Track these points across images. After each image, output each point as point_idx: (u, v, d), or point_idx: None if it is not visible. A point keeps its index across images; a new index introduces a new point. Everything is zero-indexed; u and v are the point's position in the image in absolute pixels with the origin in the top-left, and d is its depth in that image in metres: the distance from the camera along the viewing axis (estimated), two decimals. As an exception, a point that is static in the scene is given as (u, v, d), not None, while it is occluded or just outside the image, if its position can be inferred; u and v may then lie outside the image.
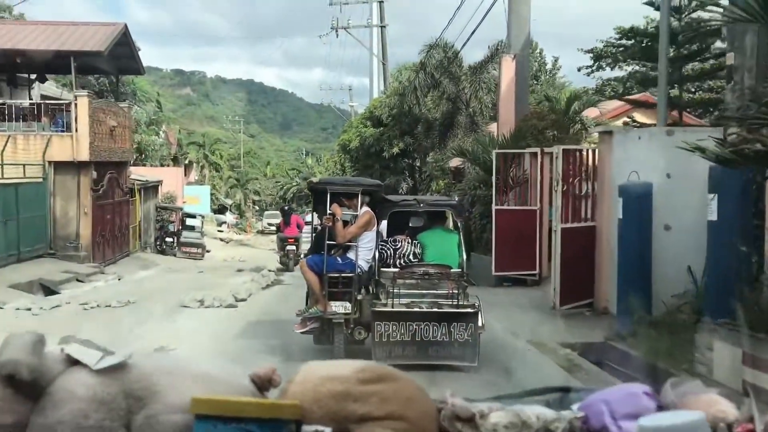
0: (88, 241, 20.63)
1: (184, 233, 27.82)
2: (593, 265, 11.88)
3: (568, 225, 11.67)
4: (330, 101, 55.42)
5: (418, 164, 35.69)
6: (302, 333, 8.33)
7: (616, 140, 11.38)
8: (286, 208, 27.66)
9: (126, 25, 22.24)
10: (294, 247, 22.46)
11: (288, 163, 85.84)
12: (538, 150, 15.78)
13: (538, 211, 15.72)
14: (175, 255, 27.58)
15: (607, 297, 11.60)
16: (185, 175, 55.73)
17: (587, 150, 12.20)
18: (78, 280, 17.98)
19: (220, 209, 51.37)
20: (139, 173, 31.99)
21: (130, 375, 1.32)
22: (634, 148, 10.83)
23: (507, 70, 19.23)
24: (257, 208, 64.38)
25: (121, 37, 21.81)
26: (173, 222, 28.94)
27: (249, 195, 59.33)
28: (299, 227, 23.30)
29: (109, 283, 18.56)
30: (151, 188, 30.29)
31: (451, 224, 9.31)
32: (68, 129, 20.18)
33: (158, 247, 27.95)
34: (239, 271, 22.14)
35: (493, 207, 16.04)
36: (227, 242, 37.83)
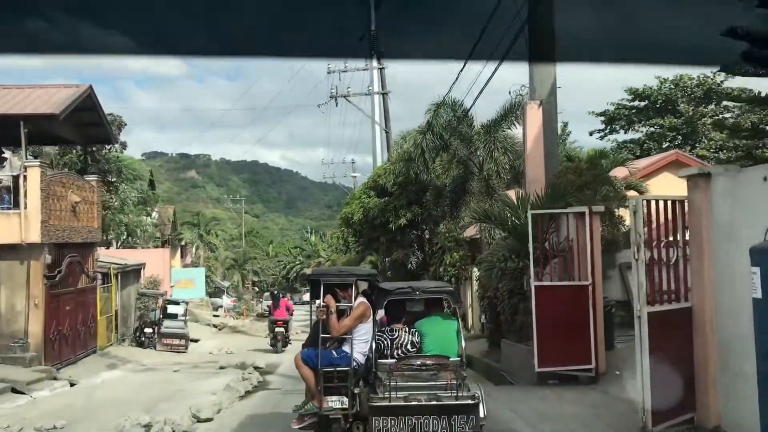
0: (39, 339, 17.01)
1: (165, 323, 24.13)
2: (692, 364, 8.27)
3: (657, 308, 8.09)
4: (333, 175, 52.33)
5: (427, 236, 32.27)
6: (299, 429, 7.95)
7: (719, 185, 7.92)
8: (275, 292, 28.13)
9: (91, 87, 19.21)
10: (283, 329, 23.44)
11: (291, 242, 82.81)
12: (585, 209, 12.34)
13: (590, 288, 12.17)
14: (155, 348, 23.86)
15: (719, 410, 7.96)
16: (182, 257, 52.37)
17: (670, 202, 8.71)
18: (15, 391, 14.31)
19: (216, 292, 47.69)
20: (119, 256, 28.62)
21: None
22: (752, 194, 7.36)
23: (533, 119, 16.02)
24: (257, 289, 60.61)
25: (84, 100, 18.78)
26: (156, 310, 25.34)
27: (247, 276, 55.69)
28: (288, 310, 24.40)
29: (55, 393, 14.88)
30: (131, 272, 26.81)
31: (448, 310, 8.63)
32: (17, 206, 16.87)
33: (138, 339, 24.28)
34: (221, 368, 18.44)
35: (532, 283, 12.48)
36: (220, 329, 34.03)
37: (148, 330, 24.06)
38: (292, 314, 25.21)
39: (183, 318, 24.85)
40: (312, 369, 7.77)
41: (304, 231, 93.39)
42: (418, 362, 7.74)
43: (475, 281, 23.31)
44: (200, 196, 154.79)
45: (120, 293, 25.16)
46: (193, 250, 49.04)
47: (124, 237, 36.57)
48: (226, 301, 47.58)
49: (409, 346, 8.08)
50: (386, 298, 8.30)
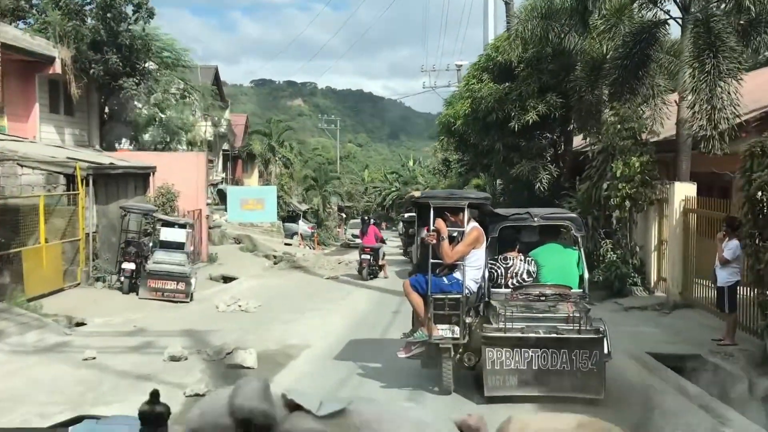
0: None
1: (157, 255, 14.56)
2: None
3: None
4: (434, 84, 41.23)
5: (562, 146, 21.11)
6: (407, 358, 7.24)
7: None
8: (366, 218, 24.44)
9: None
10: (369, 257, 20.16)
11: (388, 166, 72.94)
12: None
13: None
14: (137, 293, 14.41)
15: None
16: (260, 176, 43.27)
17: None
18: None
19: (292, 216, 38.30)
20: (120, 156, 19.23)
21: (352, 421, 1.14)
22: None
23: None
24: (344, 215, 50.69)
25: None
26: (153, 235, 15.83)
27: (329, 198, 45.76)
28: (377, 238, 20.97)
29: None
30: (128, 178, 17.36)
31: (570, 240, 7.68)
32: None
33: (119, 279, 14.90)
34: (172, 359, 8.52)
35: None
36: (276, 263, 24.50)
37: (127, 266, 14.53)
38: (383, 242, 21.62)
39: (186, 251, 15.06)
40: (421, 296, 7.04)
41: (404, 158, 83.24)
42: (536, 292, 7.07)
43: (677, 205, 12.26)
44: (306, 125, 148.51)
45: (100, 208, 15.77)
46: (263, 163, 39.23)
47: (165, 141, 27.16)
48: (303, 227, 38.03)
49: (525, 275, 7.40)
50: (500, 224, 7.51)
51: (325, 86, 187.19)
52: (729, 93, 11.75)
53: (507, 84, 19.25)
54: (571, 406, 6.12)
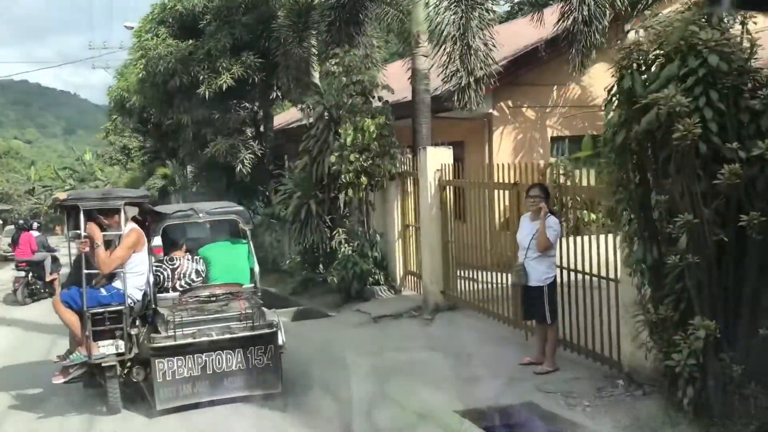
0: None
1: None
2: None
3: None
4: (106, 64, 34.55)
5: (261, 115, 17.31)
6: (65, 383, 6.34)
7: None
8: (20, 223, 19.01)
9: None
10: (24, 273, 15.63)
11: (62, 163, 62.91)
12: None
13: None
14: None
15: None
16: None
17: None
18: None
19: None
20: None
21: None
22: None
23: None
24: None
25: None
26: None
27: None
28: (38, 248, 16.20)
29: None
30: None
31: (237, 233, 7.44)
32: None
33: None
34: None
35: None
36: None
37: None
38: (50, 250, 16.75)
39: None
40: (77, 312, 6.17)
41: (80, 153, 72.85)
42: (207, 293, 6.60)
43: (432, 176, 9.18)
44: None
45: None
46: None
47: None
48: (-63, 242, 28.86)
49: (193, 276, 6.92)
50: (163, 224, 6.96)
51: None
52: (483, 30, 8.97)
53: (192, 41, 14.80)
54: (249, 406, 6.07)
